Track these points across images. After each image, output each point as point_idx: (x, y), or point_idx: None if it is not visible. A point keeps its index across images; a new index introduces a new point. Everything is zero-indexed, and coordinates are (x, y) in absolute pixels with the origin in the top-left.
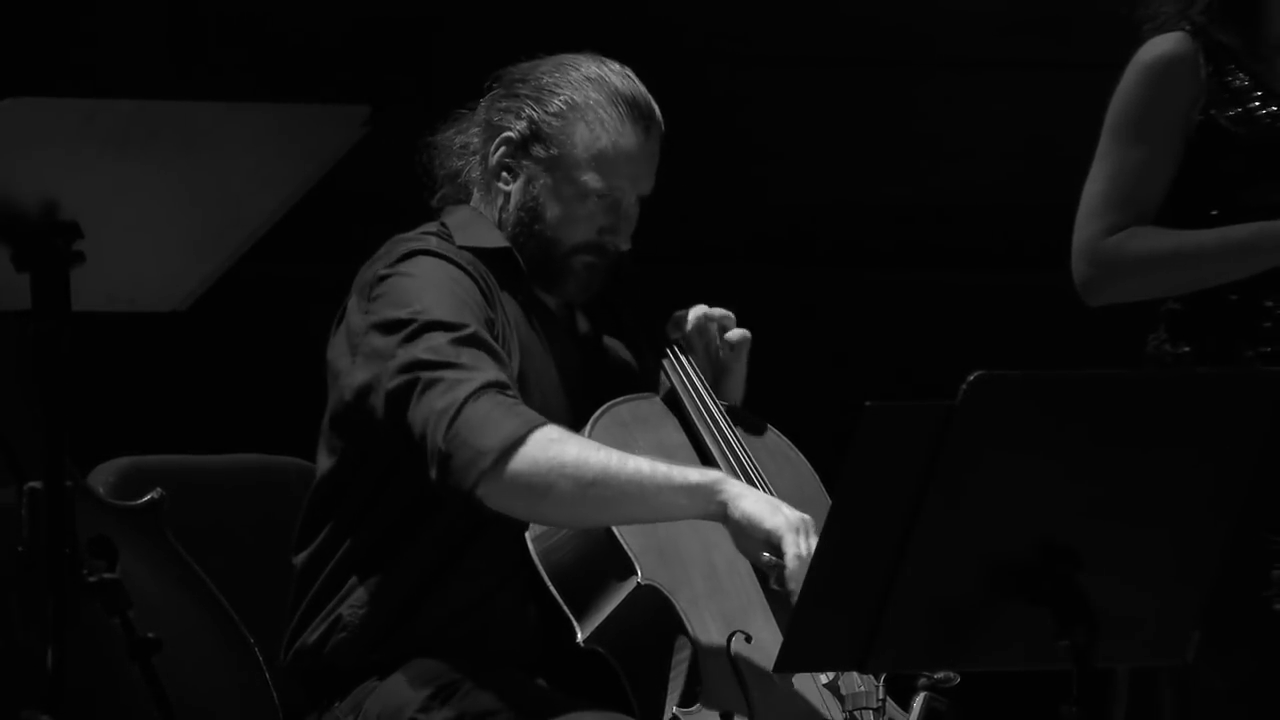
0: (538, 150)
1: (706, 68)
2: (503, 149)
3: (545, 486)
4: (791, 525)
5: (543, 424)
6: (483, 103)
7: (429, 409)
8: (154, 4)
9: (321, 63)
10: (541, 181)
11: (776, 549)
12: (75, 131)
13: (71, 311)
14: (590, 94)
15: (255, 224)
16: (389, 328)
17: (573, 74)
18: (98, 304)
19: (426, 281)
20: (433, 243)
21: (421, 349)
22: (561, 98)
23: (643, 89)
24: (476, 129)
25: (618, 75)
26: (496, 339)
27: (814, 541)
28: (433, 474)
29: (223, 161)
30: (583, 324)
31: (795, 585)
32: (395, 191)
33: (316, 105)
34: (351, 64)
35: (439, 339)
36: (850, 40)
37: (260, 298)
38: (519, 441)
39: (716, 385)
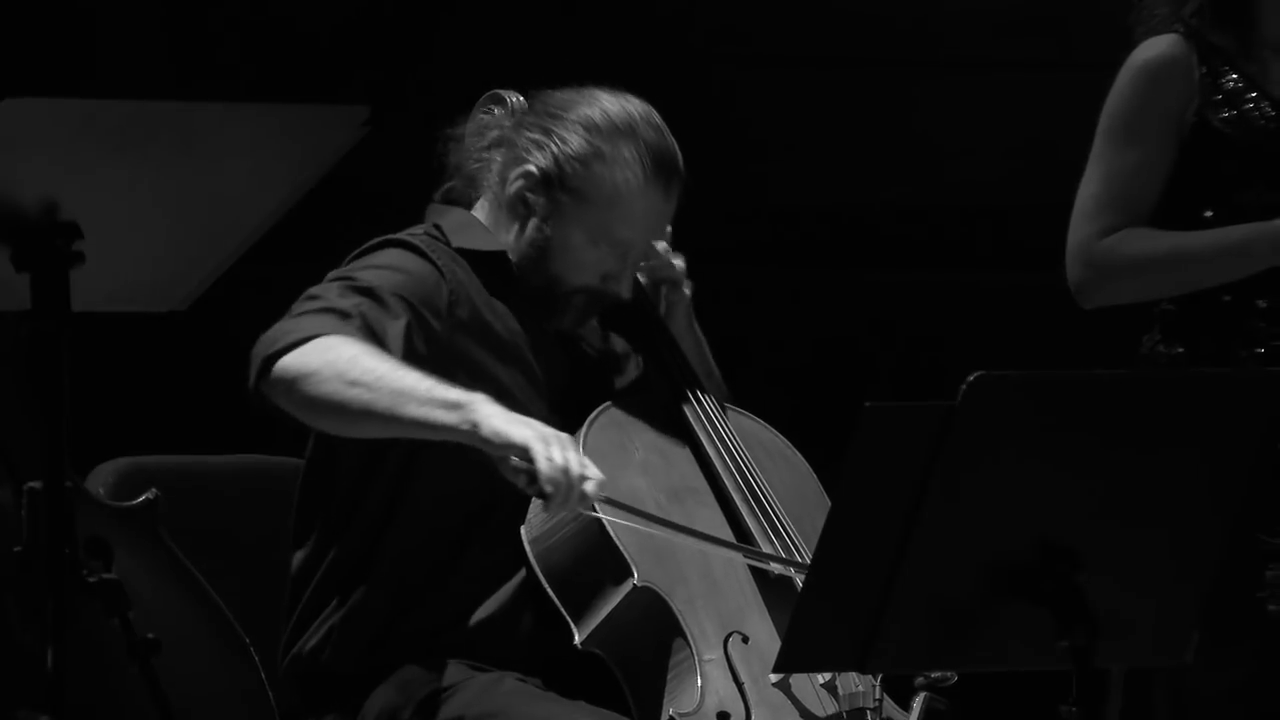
0: (558, 193)
1: (707, 67)
2: (522, 181)
3: (310, 381)
4: (539, 435)
5: (342, 333)
6: (512, 116)
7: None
8: (154, 4)
9: (322, 62)
10: (555, 223)
11: (530, 460)
12: (75, 131)
13: (71, 311)
14: (620, 146)
15: (255, 224)
16: None
17: (602, 118)
18: (98, 304)
19: (374, 260)
20: (408, 237)
21: (312, 289)
22: (590, 143)
23: (672, 142)
24: (499, 139)
25: (649, 127)
26: (456, 334)
27: (572, 454)
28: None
29: (223, 161)
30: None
31: (554, 489)
32: (396, 192)
33: (316, 105)
34: (352, 63)
35: (332, 284)
36: (850, 40)
37: (260, 298)
38: (305, 340)
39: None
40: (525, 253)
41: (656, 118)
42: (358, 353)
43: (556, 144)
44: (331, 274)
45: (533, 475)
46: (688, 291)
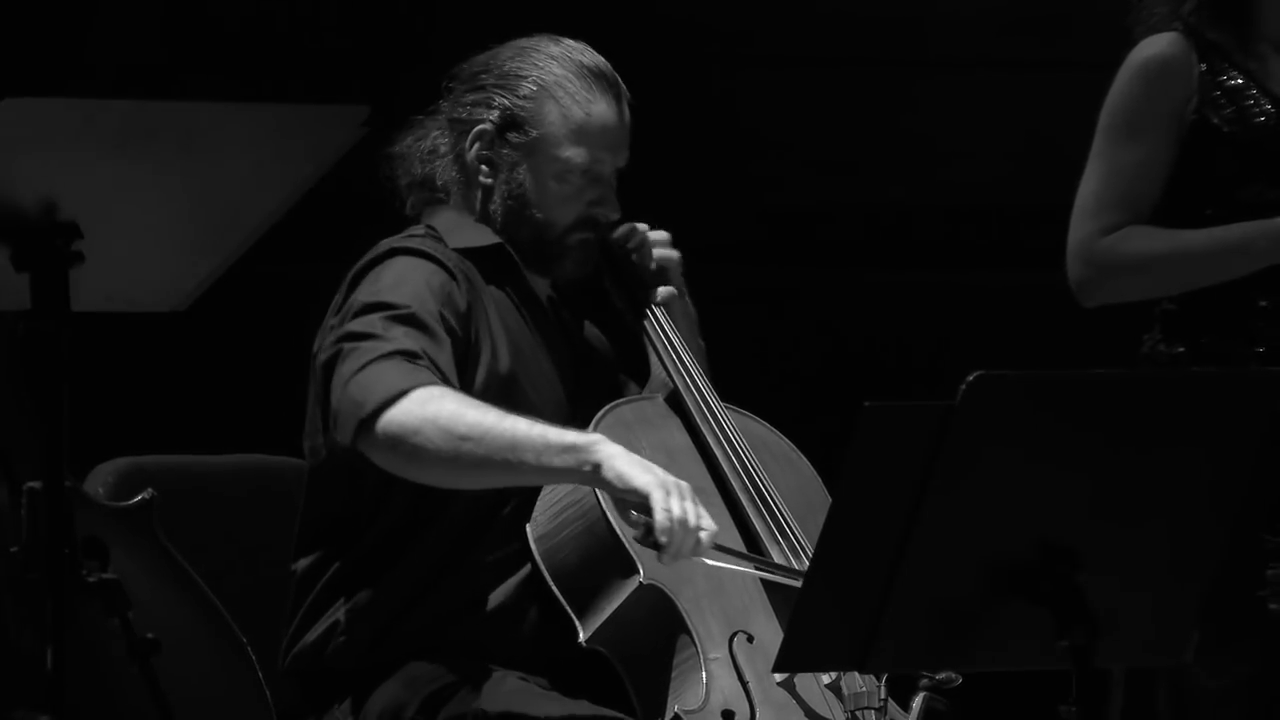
0: (515, 137)
1: (706, 67)
2: (479, 143)
3: (417, 439)
4: (660, 484)
5: (430, 382)
6: (444, 103)
7: (338, 375)
8: (153, 4)
9: (322, 62)
10: (524, 167)
11: (647, 508)
12: (75, 131)
13: (71, 311)
14: (556, 71)
15: (255, 224)
16: (343, 314)
17: (534, 55)
18: (98, 304)
19: (394, 274)
20: (415, 242)
21: (356, 324)
22: (529, 80)
23: (604, 60)
24: (442, 131)
25: (578, 50)
26: (472, 334)
27: (689, 505)
28: (332, 432)
29: (223, 161)
30: (571, 315)
31: (669, 540)
32: (395, 193)
33: (316, 105)
34: (352, 63)
35: (374, 316)
36: (850, 40)
37: (260, 298)
38: (399, 395)
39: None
40: (507, 208)
41: (582, 43)
42: (458, 407)
43: (498, 95)
44: (360, 299)
45: (649, 526)
46: (674, 254)
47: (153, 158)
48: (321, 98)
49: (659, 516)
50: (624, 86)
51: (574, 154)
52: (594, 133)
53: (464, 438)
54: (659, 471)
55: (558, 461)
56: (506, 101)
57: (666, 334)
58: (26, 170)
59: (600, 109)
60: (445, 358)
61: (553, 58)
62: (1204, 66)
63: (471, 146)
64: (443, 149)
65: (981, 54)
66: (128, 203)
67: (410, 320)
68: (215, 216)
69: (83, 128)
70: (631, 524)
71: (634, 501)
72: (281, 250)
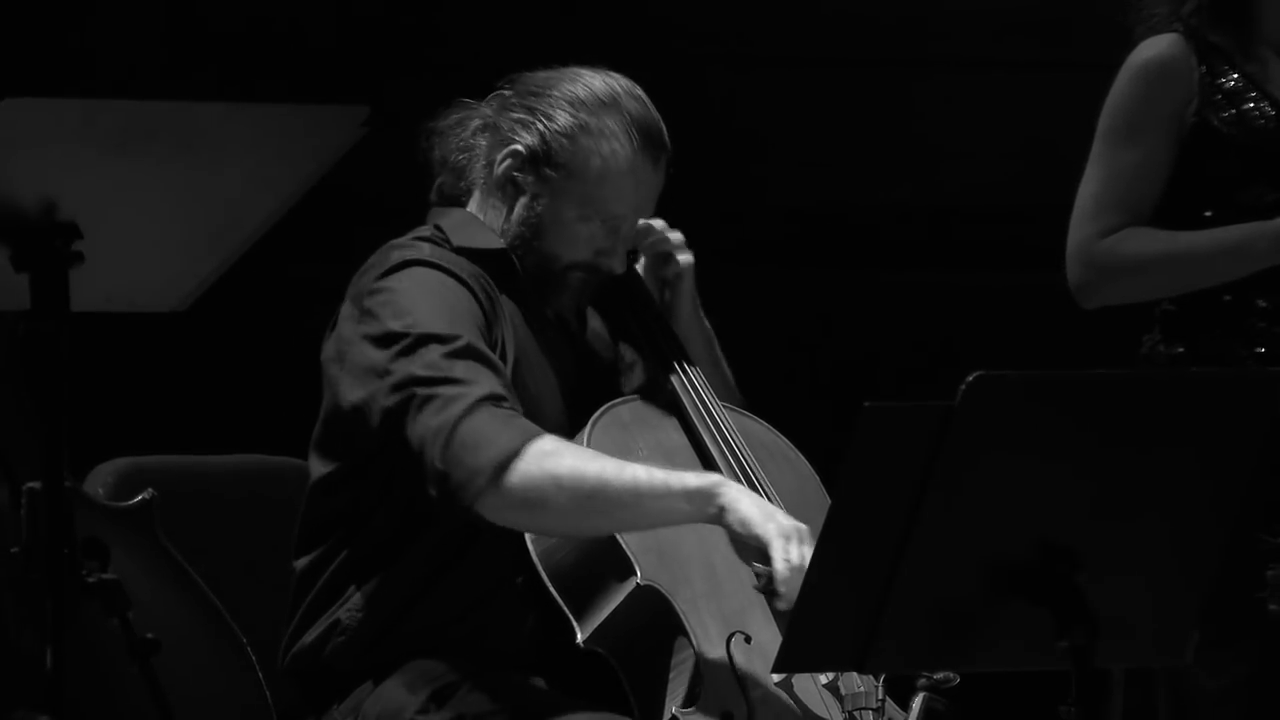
0: (547, 170)
1: (705, 68)
2: (509, 161)
3: (542, 501)
4: (781, 532)
5: (538, 436)
6: (493, 101)
7: (425, 427)
8: (153, 4)
9: (321, 63)
10: (546, 200)
11: (766, 555)
12: (75, 131)
13: (71, 311)
14: (606, 120)
15: (255, 224)
16: (382, 341)
17: (586, 94)
18: (97, 304)
19: (420, 292)
20: (426, 250)
21: (416, 365)
22: (576, 118)
23: (656, 115)
24: (483, 127)
25: (633, 99)
26: (494, 344)
27: (807, 550)
28: (432, 492)
29: (223, 161)
30: (575, 323)
31: (786, 590)
32: (395, 193)
33: (316, 105)
34: (351, 65)
35: (433, 353)
36: (850, 40)
37: (260, 298)
38: (513, 456)
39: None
40: (517, 232)
41: (639, 91)
42: (576, 461)
43: (542, 121)
44: (394, 326)
45: (770, 576)
46: (688, 259)
47: (153, 158)
48: (321, 98)
49: (779, 567)
50: (668, 145)
51: (600, 205)
52: (627, 191)
53: (590, 495)
54: (780, 517)
55: (682, 506)
56: (547, 131)
57: (667, 328)
58: (26, 170)
59: (638, 169)
60: (507, 382)
61: (604, 103)
62: (1204, 68)
63: (503, 162)
64: (477, 148)
65: (981, 54)
66: (128, 203)
67: (469, 353)
68: (215, 216)
69: (83, 128)
70: (756, 574)
71: (754, 547)
72: (281, 250)
